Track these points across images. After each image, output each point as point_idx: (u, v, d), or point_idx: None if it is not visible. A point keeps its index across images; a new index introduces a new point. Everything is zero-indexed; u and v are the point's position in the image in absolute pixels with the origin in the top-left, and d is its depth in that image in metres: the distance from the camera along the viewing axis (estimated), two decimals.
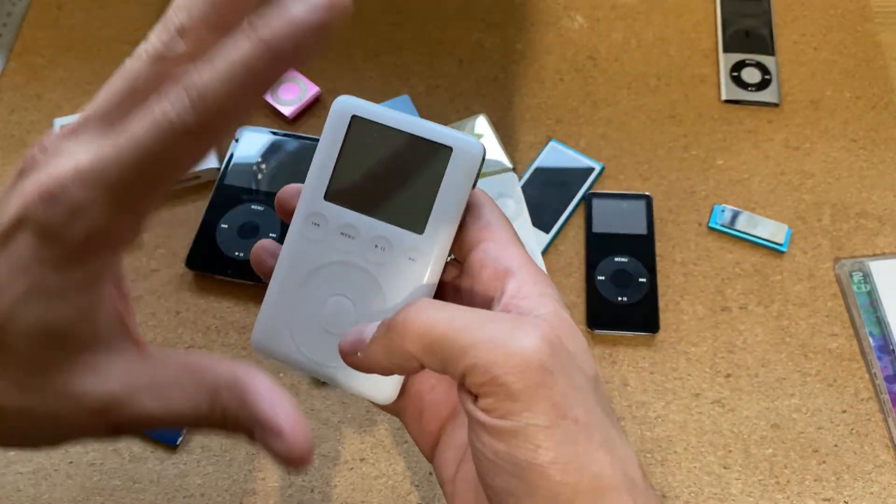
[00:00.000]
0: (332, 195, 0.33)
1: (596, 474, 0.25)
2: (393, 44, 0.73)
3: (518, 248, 0.31)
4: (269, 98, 0.68)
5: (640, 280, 0.60)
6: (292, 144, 0.65)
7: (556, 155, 0.66)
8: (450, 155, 0.32)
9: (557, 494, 0.25)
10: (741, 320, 0.59)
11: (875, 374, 0.56)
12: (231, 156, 0.65)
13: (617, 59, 0.72)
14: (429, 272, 0.32)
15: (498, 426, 0.25)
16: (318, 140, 0.64)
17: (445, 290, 0.34)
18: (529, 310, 0.29)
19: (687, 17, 0.74)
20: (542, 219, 0.63)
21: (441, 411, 0.33)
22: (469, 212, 0.32)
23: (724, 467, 0.54)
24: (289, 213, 0.34)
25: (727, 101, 0.69)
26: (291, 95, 0.69)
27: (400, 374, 0.30)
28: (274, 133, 0.66)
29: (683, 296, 0.60)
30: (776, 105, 0.68)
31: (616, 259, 0.61)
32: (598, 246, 0.61)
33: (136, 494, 0.53)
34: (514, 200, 0.62)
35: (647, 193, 0.64)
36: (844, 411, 0.56)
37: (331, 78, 0.71)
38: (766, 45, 0.71)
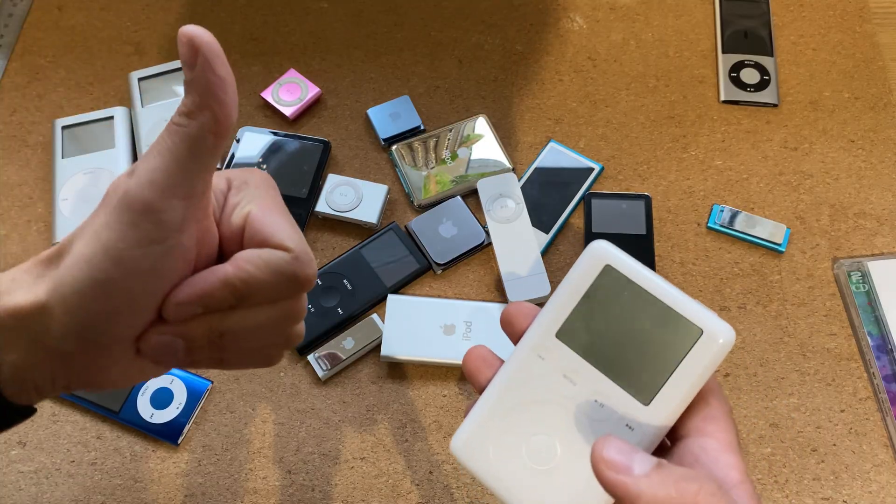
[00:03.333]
0: (564, 334, 0.32)
1: None
2: (393, 44, 0.73)
3: (740, 458, 0.30)
4: (269, 98, 0.68)
5: None
6: (293, 145, 0.66)
7: (556, 155, 0.66)
8: (699, 336, 0.30)
9: None
10: (740, 320, 0.59)
11: (873, 373, 0.56)
12: (232, 156, 0.65)
13: (616, 60, 0.72)
14: (644, 447, 0.30)
15: None
16: (318, 140, 0.66)
17: None
18: None
19: (686, 17, 0.74)
20: (541, 219, 0.63)
21: None
22: (697, 394, 0.31)
23: None
24: (513, 329, 0.34)
25: (726, 102, 0.69)
26: (292, 96, 0.69)
27: None
28: (274, 133, 0.66)
29: None
30: (775, 105, 0.69)
31: None
32: None
33: (137, 493, 0.53)
34: (513, 200, 0.62)
35: (646, 193, 0.64)
36: (843, 411, 0.56)
37: (331, 79, 0.71)
38: (764, 45, 0.72)
